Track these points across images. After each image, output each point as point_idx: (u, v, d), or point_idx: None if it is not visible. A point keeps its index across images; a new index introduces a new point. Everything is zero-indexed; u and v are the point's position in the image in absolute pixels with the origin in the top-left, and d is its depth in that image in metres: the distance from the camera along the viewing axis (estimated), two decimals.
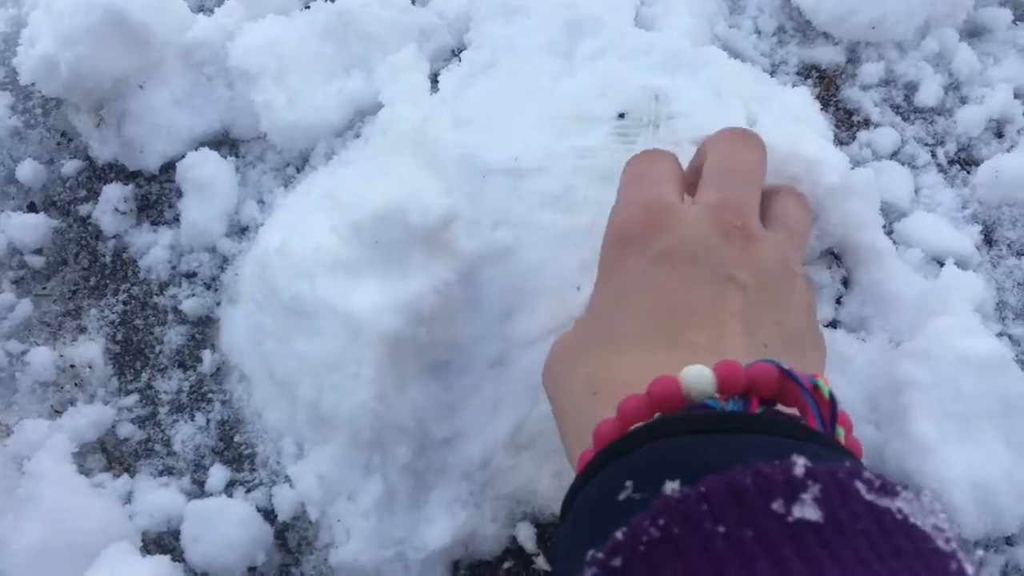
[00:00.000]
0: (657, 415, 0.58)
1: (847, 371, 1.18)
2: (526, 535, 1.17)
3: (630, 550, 0.42)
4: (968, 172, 1.44)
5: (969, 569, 0.45)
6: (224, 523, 1.15)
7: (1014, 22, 1.58)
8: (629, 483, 0.50)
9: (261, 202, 1.44)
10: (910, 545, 0.42)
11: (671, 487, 0.44)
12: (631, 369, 0.69)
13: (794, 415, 0.60)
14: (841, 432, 0.60)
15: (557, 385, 0.83)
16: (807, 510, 0.40)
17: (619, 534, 0.43)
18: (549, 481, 1.17)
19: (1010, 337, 1.28)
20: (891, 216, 1.38)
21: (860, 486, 0.43)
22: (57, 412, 1.27)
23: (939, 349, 1.10)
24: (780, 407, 0.62)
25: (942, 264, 1.29)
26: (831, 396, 0.59)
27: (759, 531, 0.39)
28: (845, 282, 1.29)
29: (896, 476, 1.09)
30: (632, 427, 0.58)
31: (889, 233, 1.35)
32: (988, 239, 1.37)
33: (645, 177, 0.94)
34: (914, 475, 1.07)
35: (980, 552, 1.10)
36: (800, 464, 0.42)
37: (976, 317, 1.17)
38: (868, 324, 1.25)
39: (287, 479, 1.21)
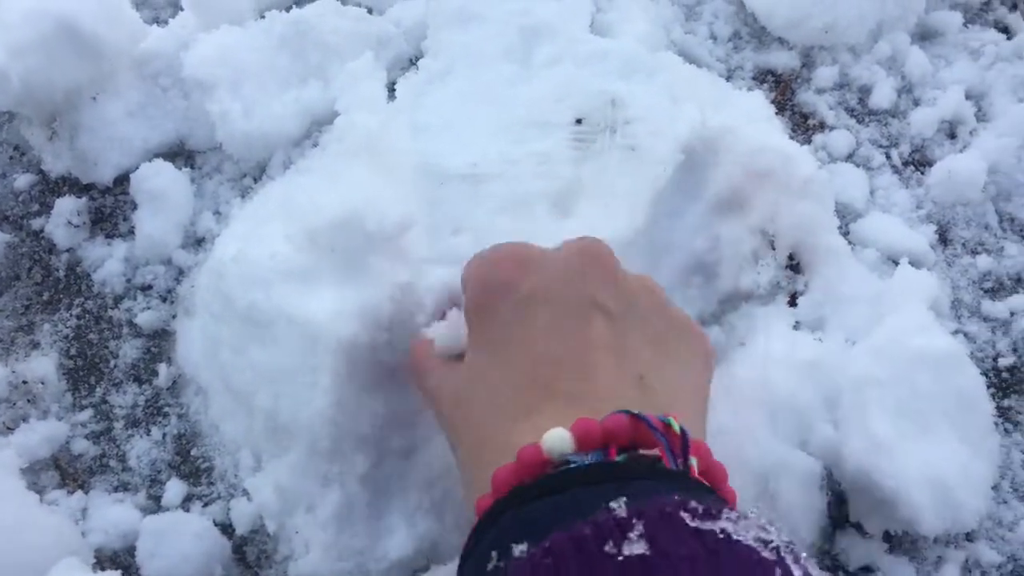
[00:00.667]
0: (513, 486, 0.63)
1: (804, 371, 1.19)
2: None
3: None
4: (922, 173, 1.45)
5: (795, 572, 0.49)
6: (180, 538, 1.13)
7: (965, 25, 1.60)
8: (494, 553, 0.54)
9: (218, 213, 1.42)
10: (733, 560, 0.46)
11: (519, 549, 0.49)
12: (509, 432, 0.73)
13: (653, 455, 0.65)
14: (694, 461, 0.65)
15: (451, 427, 0.89)
16: (634, 546, 0.44)
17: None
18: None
19: (966, 335, 1.30)
20: (847, 217, 1.39)
21: (685, 515, 0.47)
22: (9, 429, 1.25)
23: (894, 347, 1.10)
24: (642, 450, 0.66)
25: (898, 264, 1.30)
26: (681, 431, 0.64)
27: (595, 572, 0.43)
28: (800, 280, 1.30)
29: (854, 474, 1.09)
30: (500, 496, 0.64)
31: (845, 234, 1.36)
32: (943, 238, 1.39)
33: (496, 248, 0.92)
34: (872, 473, 1.07)
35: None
36: (622, 509, 0.47)
37: (930, 315, 1.18)
38: (825, 324, 1.25)
39: (245, 492, 1.20)
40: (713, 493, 0.62)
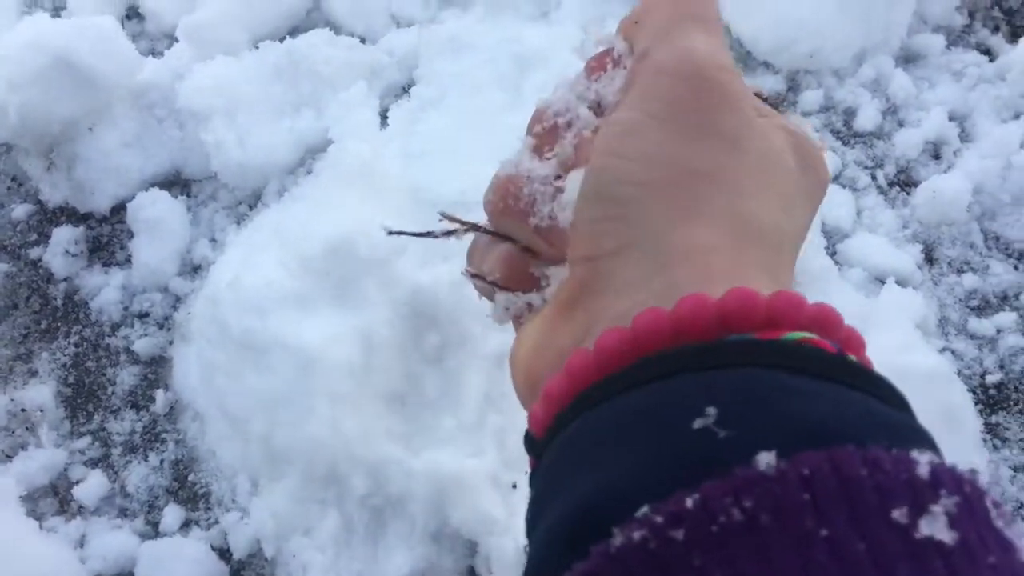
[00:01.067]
0: (719, 337, 0.39)
1: None
2: (484, 566, 1.17)
3: (697, 526, 0.31)
4: (908, 193, 1.47)
5: None
6: (178, 563, 1.14)
7: (947, 47, 1.63)
8: (712, 409, 0.34)
9: (214, 240, 1.44)
10: None
11: (765, 459, 0.31)
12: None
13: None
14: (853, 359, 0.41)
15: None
16: (937, 528, 0.31)
17: (689, 501, 0.31)
18: (503, 511, 1.17)
19: (953, 352, 1.31)
20: (834, 238, 1.41)
21: (990, 507, 0.33)
22: (8, 456, 1.26)
23: (879, 365, 1.12)
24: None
25: (884, 283, 1.32)
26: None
27: (874, 544, 0.31)
28: None
29: None
30: (656, 350, 0.38)
31: (832, 254, 1.38)
32: (929, 257, 1.41)
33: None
34: None
35: None
36: (924, 463, 0.32)
37: (917, 333, 1.20)
38: None
39: (242, 516, 1.21)
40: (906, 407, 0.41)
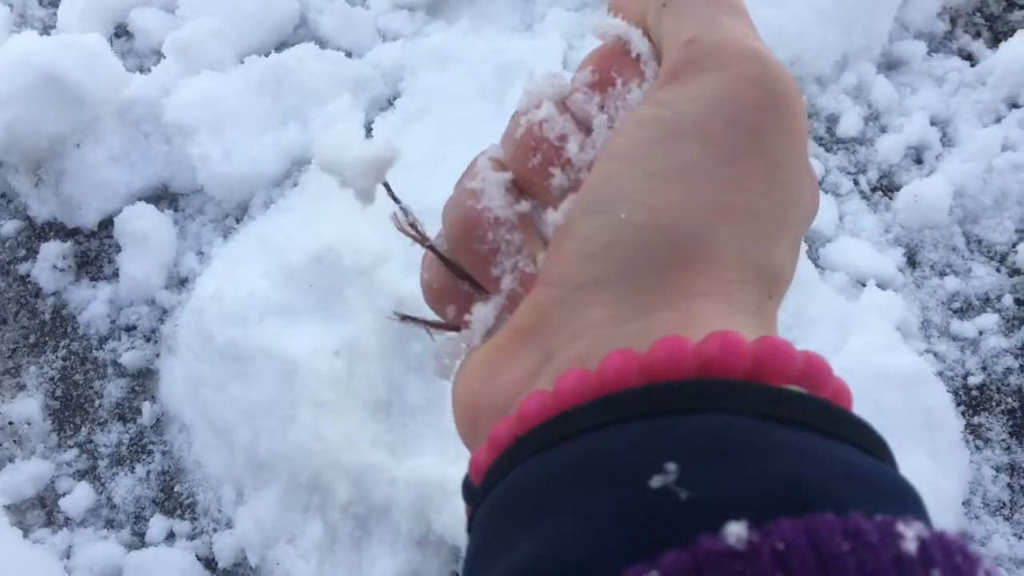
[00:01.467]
0: (687, 378, 0.34)
1: None
2: None
3: None
4: (890, 198, 1.48)
5: None
6: (163, 572, 1.15)
7: (929, 53, 1.64)
8: (672, 466, 0.29)
9: (200, 253, 1.45)
10: None
11: (735, 531, 0.27)
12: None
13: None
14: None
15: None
16: None
17: (655, 572, 0.27)
18: None
19: (935, 354, 1.32)
20: (816, 242, 1.41)
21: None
22: None
23: (859, 366, 1.13)
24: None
25: (866, 286, 1.33)
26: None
27: None
28: None
29: None
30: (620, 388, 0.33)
31: (815, 259, 1.39)
32: (911, 261, 1.42)
33: None
34: None
35: None
36: (911, 538, 0.28)
37: (896, 335, 1.20)
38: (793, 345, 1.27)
39: (228, 526, 1.21)
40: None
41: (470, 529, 0.34)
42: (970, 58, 1.65)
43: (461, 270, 0.39)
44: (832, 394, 0.33)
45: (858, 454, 0.33)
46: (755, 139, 0.35)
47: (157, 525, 1.20)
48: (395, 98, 1.57)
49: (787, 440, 0.31)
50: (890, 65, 1.64)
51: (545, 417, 0.33)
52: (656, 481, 0.29)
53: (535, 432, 0.33)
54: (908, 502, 0.31)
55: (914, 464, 1.07)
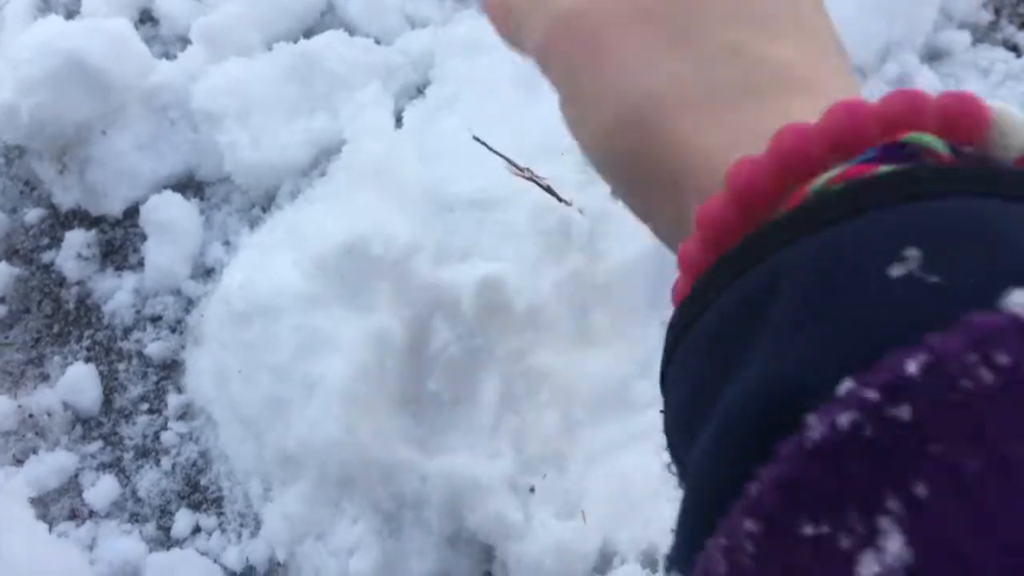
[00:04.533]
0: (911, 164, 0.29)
1: None
2: (501, 572, 1.14)
3: (930, 397, 0.23)
4: None
5: None
6: (187, 565, 1.12)
7: (973, 44, 1.59)
8: (914, 252, 0.25)
9: (227, 243, 1.42)
10: None
11: (1019, 298, 0.23)
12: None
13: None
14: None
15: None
16: None
17: (911, 364, 0.23)
18: (520, 516, 1.14)
19: None
20: None
21: None
22: (19, 461, 1.24)
23: None
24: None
25: None
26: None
27: None
28: None
29: None
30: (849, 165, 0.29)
31: None
32: None
33: None
34: None
35: None
36: None
37: None
38: None
39: (255, 521, 1.18)
40: None
41: (670, 374, 0.31)
42: (1015, 49, 1.60)
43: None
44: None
45: None
46: None
47: (183, 519, 1.17)
48: (425, 86, 1.53)
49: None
50: (933, 56, 1.59)
51: (731, 226, 0.28)
52: (897, 270, 0.25)
53: (740, 248, 0.28)
54: None
55: None
